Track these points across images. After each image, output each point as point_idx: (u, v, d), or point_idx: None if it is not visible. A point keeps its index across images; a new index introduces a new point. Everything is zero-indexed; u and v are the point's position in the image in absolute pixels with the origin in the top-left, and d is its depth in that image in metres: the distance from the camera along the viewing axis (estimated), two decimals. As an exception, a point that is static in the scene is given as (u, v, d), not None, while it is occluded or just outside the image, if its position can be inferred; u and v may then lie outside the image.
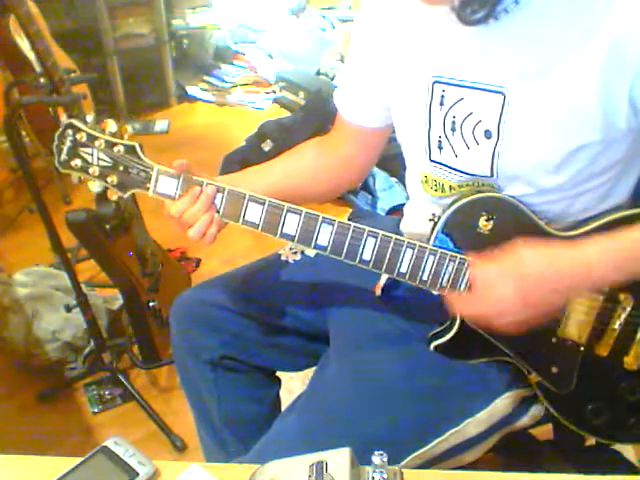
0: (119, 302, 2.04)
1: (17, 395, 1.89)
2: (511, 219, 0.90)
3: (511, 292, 0.82)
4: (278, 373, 1.22)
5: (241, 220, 0.91)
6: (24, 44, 2.20)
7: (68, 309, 1.86)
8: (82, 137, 0.91)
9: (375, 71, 1.00)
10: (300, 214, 0.89)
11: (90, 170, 0.92)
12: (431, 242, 0.91)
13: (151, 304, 1.75)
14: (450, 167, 0.94)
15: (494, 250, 0.86)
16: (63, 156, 0.92)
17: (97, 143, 0.90)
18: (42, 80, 1.65)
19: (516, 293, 0.82)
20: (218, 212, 0.91)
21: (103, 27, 3.47)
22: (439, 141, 0.93)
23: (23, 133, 2.45)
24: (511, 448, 1.08)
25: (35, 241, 2.32)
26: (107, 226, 1.56)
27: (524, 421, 0.98)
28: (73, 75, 1.80)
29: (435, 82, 0.90)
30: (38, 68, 1.78)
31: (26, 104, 1.94)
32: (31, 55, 2.17)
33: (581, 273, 0.82)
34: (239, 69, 4.04)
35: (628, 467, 1.07)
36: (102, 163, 0.91)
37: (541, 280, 0.81)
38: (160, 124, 3.58)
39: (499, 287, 0.83)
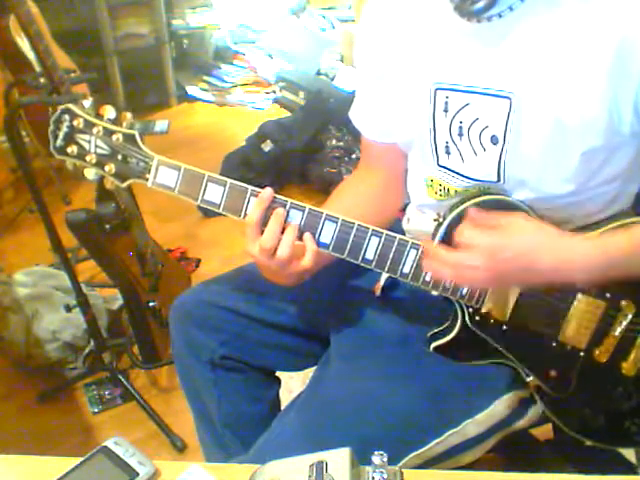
0: (119, 302, 2.04)
1: (17, 395, 1.89)
2: None
3: (482, 269, 0.81)
4: (278, 373, 1.22)
5: (242, 214, 0.89)
6: (24, 44, 2.20)
7: (68, 309, 1.86)
8: (79, 123, 0.88)
9: (380, 85, 0.99)
10: (303, 211, 0.88)
11: (87, 158, 0.88)
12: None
13: (151, 304, 1.75)
14: (456, 172, 0.93)
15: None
16: (59, 142, 0.89)
17: (95, 130, 0.87)
18: (42, 80, 1.65)
19: (486, 270, 0.81)
20: (218, 206, 0.89)
21: (103, 27, 3.47)
22: (446, 146, 0.93)
23: (23, 133, 2.45)
24: (511, 448, 1.09)
25: (35, 241, 2.32)
26: (107, 226, 1.56)
27: (523, 422, 0.98)
28: (73, 75, 1.80)
29: (437, 89, 0.90)
30: (38, 68, 1.78)
31: (26, 104, 1.94)
32: (31, 55, 2.17)
33: (560, 259, 0.82)
34: (239, 69, 4.03)
35: (628, 467, 1.07)
36: (100, 151, 0.88)
37: (515, 268, 0.81)
38: (160, 124, 3.55)
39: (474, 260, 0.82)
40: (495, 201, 0.90)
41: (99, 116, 0.88)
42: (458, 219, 0.90)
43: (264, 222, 0.87)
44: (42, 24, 2.00)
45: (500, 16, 0.81)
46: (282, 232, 0.88)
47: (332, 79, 3.76)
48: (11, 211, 2.74)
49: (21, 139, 2.29)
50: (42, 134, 2.42)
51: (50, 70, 1.63)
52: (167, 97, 3.89)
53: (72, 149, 0.89)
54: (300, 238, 0.89)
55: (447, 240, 0.90)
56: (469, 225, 0.84)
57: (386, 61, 0.97)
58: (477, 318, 0.92)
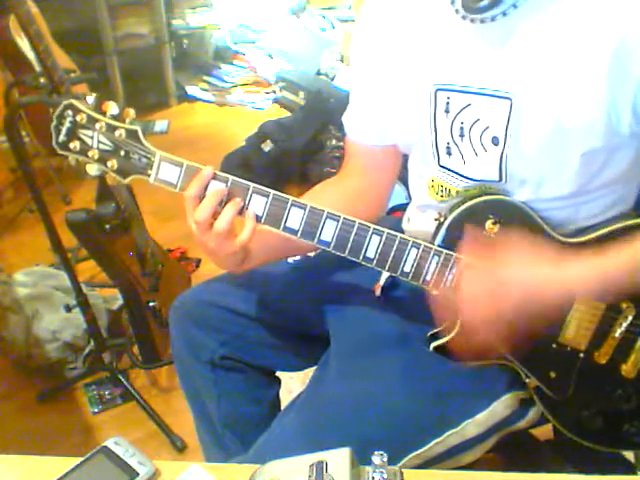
0: (119, 302, 2.04)
1: (17, 395, 1.89)
2: (518, 223, 0.89)
3: (484, 307, 0.84)
4: (278, 373, 1.22)
5: (243, 211, 0.88)
6: (24, 44, 2.20)
7: (68, 309, 1.86)
8: (82, 119, 0.87)
9: (377, 86, 0.99)
10: (305, 208, 0.87)
11: (89, 153, 0.87)
12: (436, 242, 0.91)
13: (151, 304, 1.75)
14: (457, 173, 0.93)
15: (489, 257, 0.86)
16: (61, 137, 0.88)
17: (98, 126, 0.86)
18: (42, 80, 1.65)
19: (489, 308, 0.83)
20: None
21: (103, 27, 3.47)
22: (447, 147, 0.92)
23: (23, 133, 2.44)
24: (511, 448, 1.08)
25: (35, 241, 2.32)
26: (107, 226, 1.56)
27: (523, 422, 0.98)
28: (73, 75, 1.80)
29: (438, 90, 0.89)
30: (38, 68, 1.78)
31: (26, 104, 1.94)
32: (31, 55, 2.17)
33: (559, 289, 0.84)
34: (239, 69, 4.03)
35: (628, 467, 1.07)
36: (102, 147, 0.87)
37: (518, 303, 0.83)
38: (160, 124, 3.57)
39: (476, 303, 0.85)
40: (496, 201, 0.90)
41: (102, 112, 0.88)
42: (459, 219, 0.90)
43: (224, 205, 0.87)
44: (42, 24, 2.00)
45: (504, 14, 0.81)
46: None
47: (332, 79, 3.76)
48: (11, 211, 2.74)
49: (21, 139, 2.29)
50: (42, 134, 2.43)
51: (50, 70, 1.63)
52: (167, 97, 3.89)
53: (75, 145, 0.88)
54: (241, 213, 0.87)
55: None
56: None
57: (385, 62, 0.96)
58: (477, 318, 0.92)
